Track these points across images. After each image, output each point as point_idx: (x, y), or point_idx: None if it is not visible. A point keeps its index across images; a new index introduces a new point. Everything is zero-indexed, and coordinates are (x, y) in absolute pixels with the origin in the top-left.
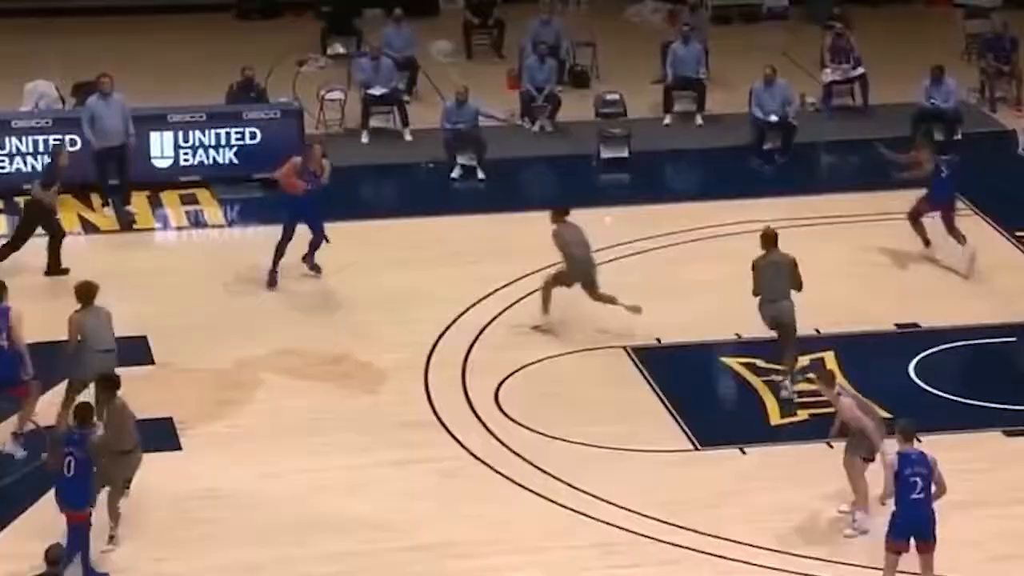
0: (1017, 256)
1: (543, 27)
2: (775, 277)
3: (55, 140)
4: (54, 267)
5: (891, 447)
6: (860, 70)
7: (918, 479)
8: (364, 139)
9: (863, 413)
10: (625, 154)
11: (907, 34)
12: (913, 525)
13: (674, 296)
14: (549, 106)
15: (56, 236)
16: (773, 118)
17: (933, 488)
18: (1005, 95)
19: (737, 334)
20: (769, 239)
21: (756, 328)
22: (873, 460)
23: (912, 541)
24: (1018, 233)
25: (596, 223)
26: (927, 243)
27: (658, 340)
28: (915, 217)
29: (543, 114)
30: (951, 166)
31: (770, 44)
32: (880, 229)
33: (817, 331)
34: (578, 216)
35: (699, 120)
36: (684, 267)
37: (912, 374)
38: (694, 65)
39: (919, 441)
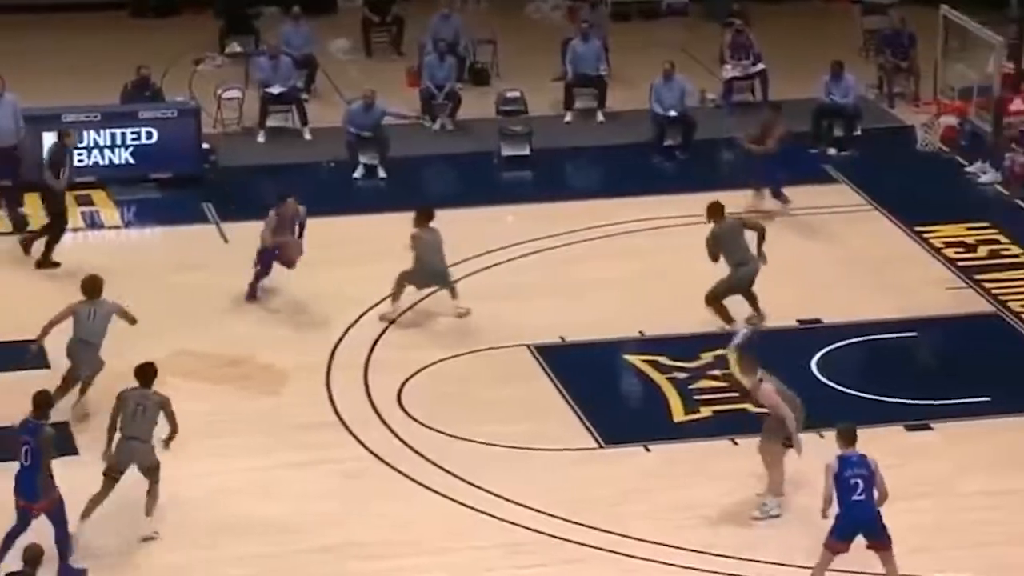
0: (917, 251)
1: (442, 24)
2: (737, 240)
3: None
4: (46, 260)
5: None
6: (760, 66)
7: (859, 480)
8: (261, 138)
9: (784, 401)
10: (526, 152)
11: (806, 30)
12: (857, 526)
13: (577, 294)
14: (449, 104)
15: (56, 228)
16: (672, 113)
17: (875, 491)
18: (903, 91)
19: (640, 332)
20: (716, 210)
21: (660, 325)
22: (791, 446)
23: (862, 541)
24: (917, 228)
25: (498, 221)
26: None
27: (562, 338)
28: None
29: (444, 112)
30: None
31: (670, 41)
32: (782, 225)
33: (721, 328)
34: (479, 214)
35: (600, 117)
36: (586, 265)
37: (815, 370)
38: (594, 62)
39: (822, 437)
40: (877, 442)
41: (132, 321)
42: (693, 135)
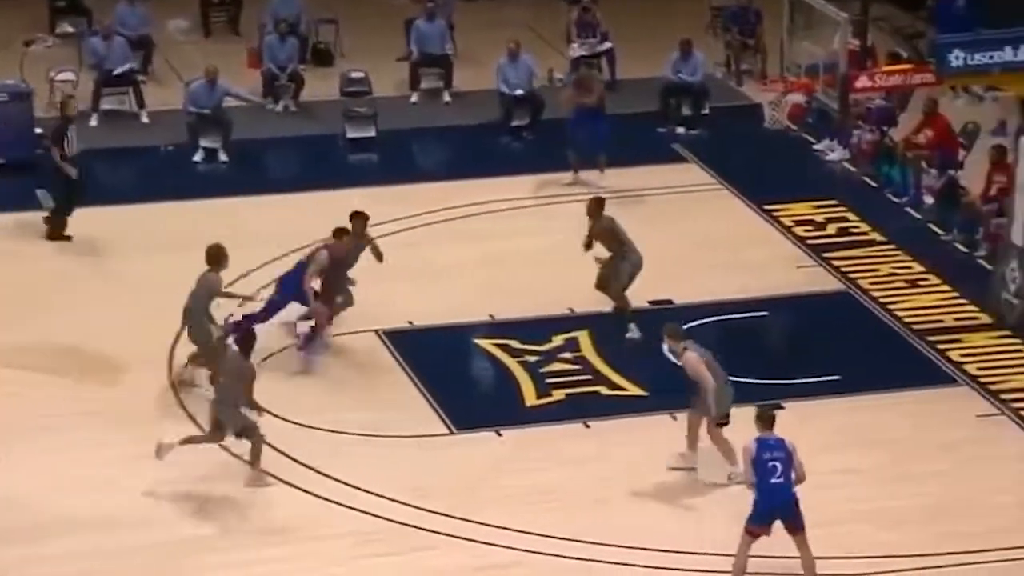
0: (766, 230)
1: (283, 3)
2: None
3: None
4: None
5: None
6: (607, 45)
7: (777, 463)
8: (93, 122)
9: (709, 371)
10: (372, 134)
11: (653, 8)
12: (775, 510)
13: (425, 278)
14: (292, 85)
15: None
16: (519, 93)
17: (792, 473)
18: (751, 68)
19: (491, 315)
20: (600, 204)
21: (510, 309)
22: (726, 423)
23: (780, 524)
24: (766, 207)
25: (344, 204)
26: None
27: (410, 323)
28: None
29: (286, 94)
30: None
31: (516, 19)
32: (634, 206)
33: (571, 310)
34: (325, 198)
35: (446, 97)
36: (435, 248)
37: (666, 351)
38: (440, 42)
39: (675, 419)
40: (730, 423)
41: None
42: (540, 115)
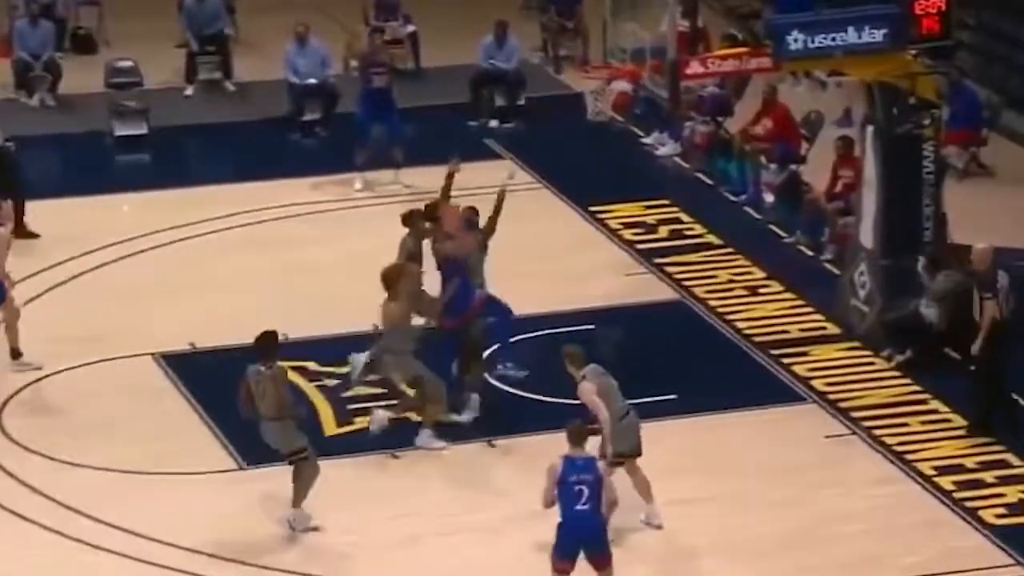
0: (592, 234)
1: None
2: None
3: None
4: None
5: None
6: (410, 28)
7: (584, 487)
8: None
9: (605, 403)
10: (143, 131)
11: None
12: (579, 540)
13: (208, 293)
14: (49, 76)
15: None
16: (310, 82)
17: (602, 498)
18: (570, 54)
19: (284, 334)
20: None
21: (306, 326)
22: (622, 463)
23: (582, 556)
24: (592, 208)
25: (112, 211)
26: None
27: (192, 345)
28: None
29: (42, 86)
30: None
31: (305, 0)
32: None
33: (376, 327)
34: (89, 204)
35: (229, 87)
36: (217, 259)
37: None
38: (216, 22)
39: (492, 446)
40: (549, 451)
41: None
42: (335, 108)
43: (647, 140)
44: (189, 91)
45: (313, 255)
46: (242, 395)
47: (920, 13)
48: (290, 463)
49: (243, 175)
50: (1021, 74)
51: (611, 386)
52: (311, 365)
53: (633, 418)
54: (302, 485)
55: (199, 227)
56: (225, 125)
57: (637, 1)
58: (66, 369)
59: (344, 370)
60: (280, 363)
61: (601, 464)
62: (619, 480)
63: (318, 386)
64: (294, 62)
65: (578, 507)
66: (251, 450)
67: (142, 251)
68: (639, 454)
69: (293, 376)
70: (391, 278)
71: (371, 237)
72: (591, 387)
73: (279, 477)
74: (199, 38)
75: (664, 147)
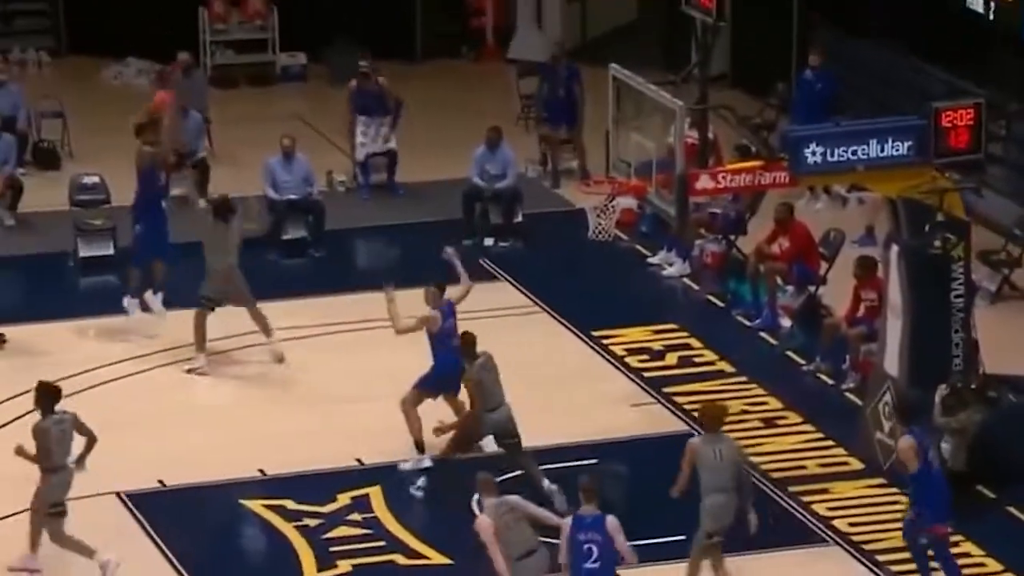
0: (595, 362)
1: None
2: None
3: None
4: None
5: None
6: (390, 144)
7: (593, 546)
8: None
9: (498, 542)
10: (110, 251)
11: (453, 95)
12: None
13: (178, 425)
14: (9, 192)
15: None
16: (292, 197)
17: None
18: (570, 167)
19: (260, 470)
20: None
21: (284, 461)
22: None
23: None
24: (595, 333)
25: (77, 339)
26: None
27: (161, 482)
28: None
29: (2, 204)
30: None
31: (286, 110)
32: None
33: (359, 461)
34: (52, 331)
35: (202, 204)
36: (189, 389)
37: (475, 507)
38: (194, 139)
39: None
40: None
41: None
42: (322, 225)
43: (654, 260)
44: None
45: (292, 383)
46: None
47: (947, 125)
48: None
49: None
50: None
51: (525, 521)
52: (289, 503)
53: (541, 556)
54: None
55: (169, 354)
56: (197, 244)
57: (642, 111)
58: (16, 512)
59: (325, 509)
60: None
61: (611, 519)
62: None
63: (297, 526)
64: (276, 176)
65: (587, 565)
66: None
67: (108, 381)
68: None
69: (270, 515)
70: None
71: (355, 363)
72: (487, 523)
73: None
74: (175, 154)
75: (672, 267)
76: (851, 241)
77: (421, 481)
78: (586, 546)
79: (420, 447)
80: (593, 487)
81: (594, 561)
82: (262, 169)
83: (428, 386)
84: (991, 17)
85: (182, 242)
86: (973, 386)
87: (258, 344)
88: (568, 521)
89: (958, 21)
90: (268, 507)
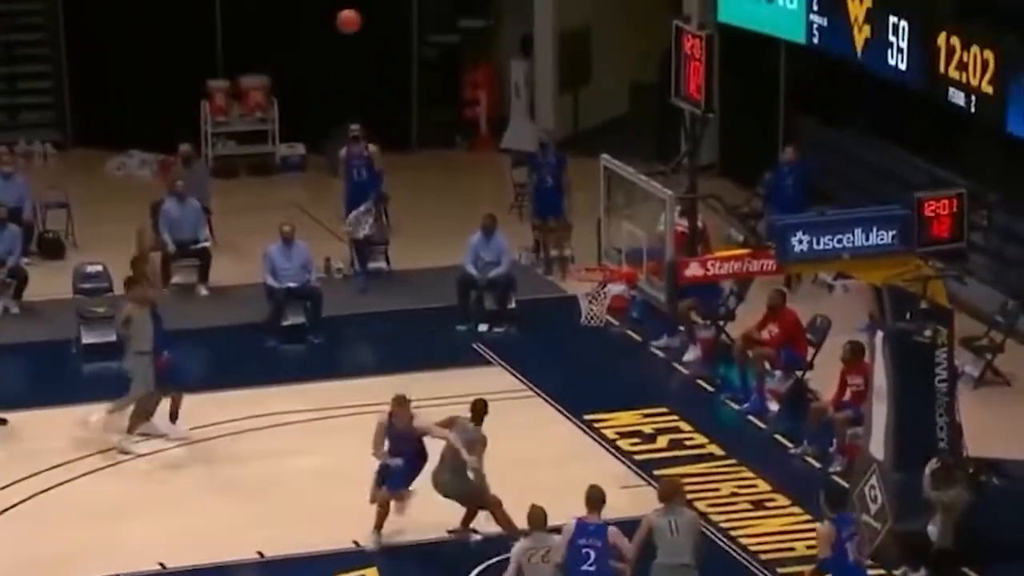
0: (587, 444)
1: (2, 185)
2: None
3: None
4: None
5: None
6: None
7: (591, 551)
8: None
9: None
10: (111, 338)
11: (447, 184)
12: None
13: (179, 509)
14: (14, 282)
15: None
16: (292, 285)
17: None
18: (562, 254)
19: (259, 552)
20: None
21: (282, 544)
22: None
23: None
24: (586, 417)
25: (80, 425)
26: None
27: (161, 565)
28: None
29: (7, 292)
30: None
31: (285, 199)
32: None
33: (356, 543)
34: (56, 416)
35: (203, 291)
36: (189, 473)
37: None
38: (193, 228)
39: None
40: None
41: None
42: (320, 311)
43: (658, 344)
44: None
45: (289, 467)
46: None
47: (930, 215)
48: None
49: (217, 383)
50: None
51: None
52: None
53: None
54: None
55: (167, 440)
56: (200, 331)
57: (633, 199)
58: None
59: None
60: None
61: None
62: None
63: None
64: (276, 264)
65: (583, 568)
66: None
67: (111, 465)
68: None
69: None
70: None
71: (351, 447)
72: None
73: None
74: (175, 244)
75: (688, 354)
76: (858, 330)
77: None
78: (584, 550)
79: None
80: (596, 496)
81: (590, 565)
82: (262, 258)
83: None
84: (972, 110)
85: (182, 328)
86: (969, 468)
87: (254, 429)
88: (572, 524)
89: (940, 113)
90: None
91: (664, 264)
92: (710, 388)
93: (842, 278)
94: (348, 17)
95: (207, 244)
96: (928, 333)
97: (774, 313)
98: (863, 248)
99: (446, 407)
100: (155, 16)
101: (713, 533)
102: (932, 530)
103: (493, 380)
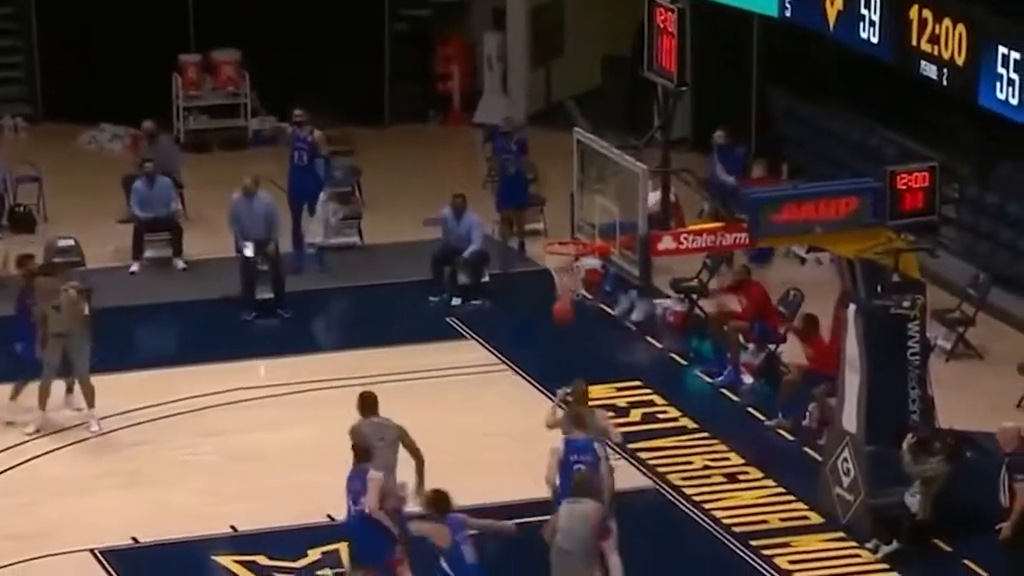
0: None
1: None
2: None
3: None
4: None
5: None
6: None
7: (582, 466)
8: None
9: None
10: (83, 311)
11: (418, 159)
12: None
13: (151, 483)
14: None
15: None
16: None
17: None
18: (537, 227)
19: (232, 526)
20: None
21: (256, 518)
22: None
23: None
24: (559, 390)
25: (52, 395)
26: None
27: (134, 539)
28: None
29: None
30: None
31: (259, 174)
32: (404, 391)
33: (330, 517)
34: (30, 388)
35: (180, 265)
36: (161, 447)
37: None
38: (166, 202)
39: None
40: None
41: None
42: (282, 279)
43: (615, 311)
44: (135, 267)
45: (262, 441)
46: None
47: (903, 188)
48: None
49: (190, 357)
50: (1008, 251)
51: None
52: (261, 559)
53: None
54: None
55: (142, 413)
56: (173, 305)
57: (606, 175)
58: (3, 565)
59: (297, 564)
60: None
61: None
62: None
63: None
64: (241, 212)
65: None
66: None
67: (82, 440)
68: None
69: (242, 570)
70: None
71: (325, 422)
72: None
73: None
74: (147, 218)
75: (634, 312)
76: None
77: None
78: (576, 466)
79: None
80: (581, 415)
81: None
82: (229, 209)
83: None
84: (944, 83)
85: (159, 303)
86: (948, 440)
87: (226, 404)
88: (560, 444)
89: (912, 86)
90: (240, 563)
91: (637, 238)
92: (683, 361)
93: (815, 251)
94: (562, 310)
95: (176, 213)
96: (907, 304)
97: (740, 289)
98: (835, 221)
99: (419, 381)
100: None
101: (686, 506)
102: (911, 500)
103: (466, 354)
